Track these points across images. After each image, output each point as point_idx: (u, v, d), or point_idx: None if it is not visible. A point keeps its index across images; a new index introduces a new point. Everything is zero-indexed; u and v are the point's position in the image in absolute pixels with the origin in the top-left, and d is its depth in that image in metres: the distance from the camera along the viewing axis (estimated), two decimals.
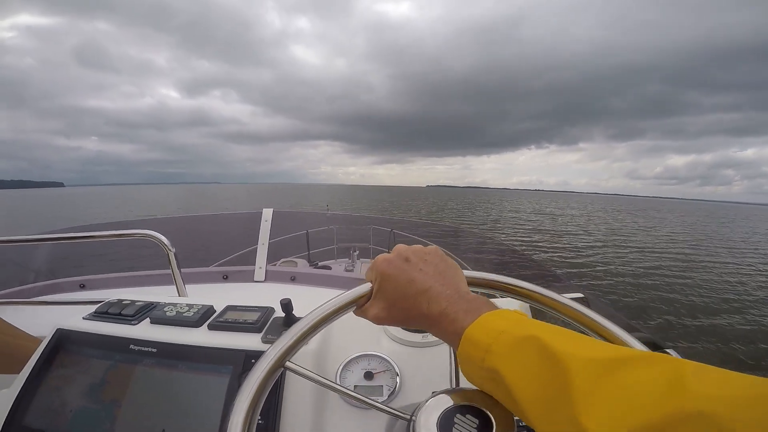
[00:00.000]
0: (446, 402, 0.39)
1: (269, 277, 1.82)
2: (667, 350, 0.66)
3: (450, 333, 0.39)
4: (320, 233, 4.52)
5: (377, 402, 0.43)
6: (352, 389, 0.67)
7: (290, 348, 0.42)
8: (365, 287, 0.49)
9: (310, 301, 0.47)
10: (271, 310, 0.79)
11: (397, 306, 0.45)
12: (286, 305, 0.68)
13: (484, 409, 0.38)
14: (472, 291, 0.47)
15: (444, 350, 0.75)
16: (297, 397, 0.64)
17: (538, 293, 0.53)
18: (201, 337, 0.71)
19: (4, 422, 0.63)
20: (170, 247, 1.23)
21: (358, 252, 3.98)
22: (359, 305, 0.49)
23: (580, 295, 0.93)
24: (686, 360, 0.27)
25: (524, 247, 15.70)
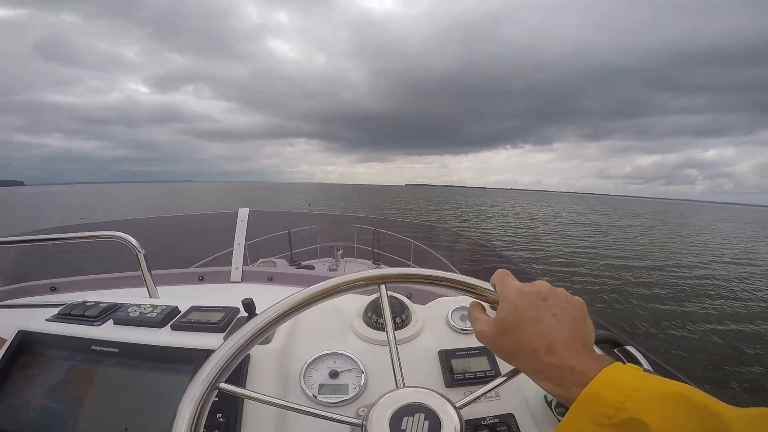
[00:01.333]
0: (396, 401, 0.41)
1: (246, 277, 1.81)
2: (628, 347, 0.70)
3: (572, 385, 0.37)
4: (303, 233, 4.52)
5: (325, 411, 0.44)
6: (317, 388, 0.69)
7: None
8: (491, 288, 0.50)
9: None
10: (236, 310, 0.81)
11: (511, 337, 0.43)
12: (248, 305, 0.70)
13: (434, 409, 0.39)
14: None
15: (409, 349, 0.78)
16: (260, 391, 0.65)
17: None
18: (163, 337, 0.74)
19: None
20: (139, 249, 1.23)
21: (342, 251, 3.99)
22: (482, 298, 0.51)
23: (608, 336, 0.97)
24: None
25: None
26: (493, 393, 0.70)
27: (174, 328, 0.76)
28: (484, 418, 0.66)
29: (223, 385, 0.40)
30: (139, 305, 0.82)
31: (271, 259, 3.13)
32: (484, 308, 0.51)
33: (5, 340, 0.75)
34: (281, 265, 2.97)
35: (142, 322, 0.78)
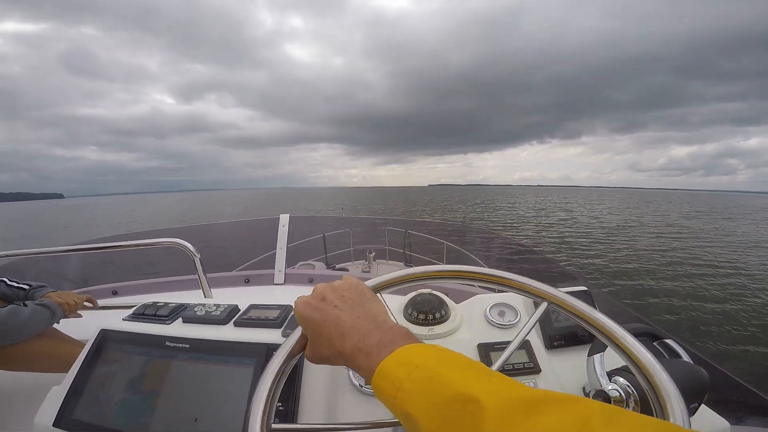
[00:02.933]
0: None
1: (288, 279, 1.91)
2: (667, 340, 0.70)
3: (364, 369, 0.39)
4: (336, 236, 4.62)
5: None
6: (365, 383, 0.74)
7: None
8: (297, 333, 0.49)
9: None
10: (290, 307, 0.87)
11: (318, 346, 0.45)
12: None
13: None
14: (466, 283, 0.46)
15: (448, 344, 0.81)
16: (314, 383, 0.72)
17: (526, 284, 0.56)
18: (228, 333, 0.81)
19: (56, 416, 0.73)
20: (195, 253, 1.35)
21: (374, 254, 4.05)
22: (296, 352, 0.48)
23: (583, 288, 0.98)
24: (600, 404, 0.27)
25: None
26: (531, 384, 0.74)
27: (236, 324, 0.84)
28: None
29: (274, 426, 0.40)
30: (203, 305, 0.90)
31: (309, 261, 3.22)
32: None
33: (86, 341, 0.83)
34: (319, 268, 3.06)
35: (208, 319, 0.85)
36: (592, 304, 0.94)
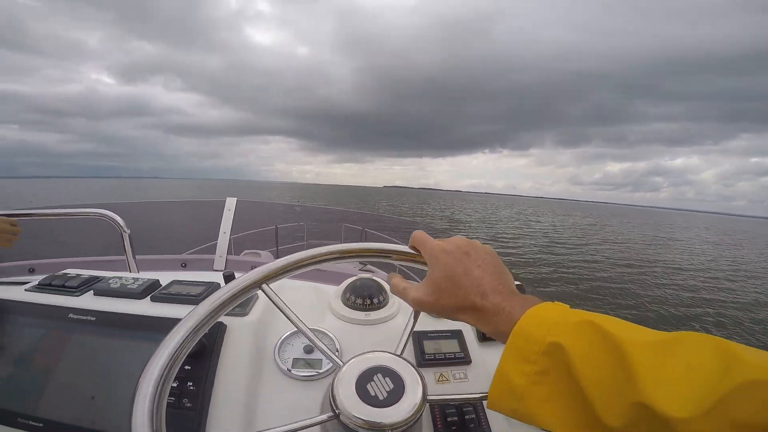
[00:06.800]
0: (374, 361, 0.48)
1: (230, 266, 1.80)
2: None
3: (504, 324, 0.43)
4: (290, 229, 4.50)
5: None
6: (291, 362, 0.73)
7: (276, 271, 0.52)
8: (416, 252, 0.56)
9: None
10: (217, 285, 0.83)
11: (448, 295, 0.49)
12: (229, 277, 0.69)
13: (403, 378, 0.46)
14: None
15: (384, 329, 0.84)
16: (234, 365, 0.68)
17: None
18: (143, 307, 0.76)
19: None
20: (125, 228, 1.25)
21: None
22: (411, 262, 0.57)
23: (517, 283, 1.01)
24: (728, 341, 0.30)
25: None
26: (461, 374, 0.75)
27: (154, 299, 0.78)
28: (450, 400, 0.64)
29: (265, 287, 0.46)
30: (120, 277, 0.85)
31: (256, 251, 3.11)
32: (403, 277, 0.58)
33: None
34: (266, 257, 2.95)
35: (122, 293, 0.79)
36: None
